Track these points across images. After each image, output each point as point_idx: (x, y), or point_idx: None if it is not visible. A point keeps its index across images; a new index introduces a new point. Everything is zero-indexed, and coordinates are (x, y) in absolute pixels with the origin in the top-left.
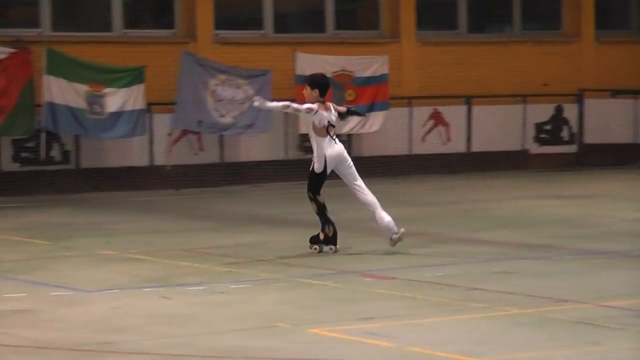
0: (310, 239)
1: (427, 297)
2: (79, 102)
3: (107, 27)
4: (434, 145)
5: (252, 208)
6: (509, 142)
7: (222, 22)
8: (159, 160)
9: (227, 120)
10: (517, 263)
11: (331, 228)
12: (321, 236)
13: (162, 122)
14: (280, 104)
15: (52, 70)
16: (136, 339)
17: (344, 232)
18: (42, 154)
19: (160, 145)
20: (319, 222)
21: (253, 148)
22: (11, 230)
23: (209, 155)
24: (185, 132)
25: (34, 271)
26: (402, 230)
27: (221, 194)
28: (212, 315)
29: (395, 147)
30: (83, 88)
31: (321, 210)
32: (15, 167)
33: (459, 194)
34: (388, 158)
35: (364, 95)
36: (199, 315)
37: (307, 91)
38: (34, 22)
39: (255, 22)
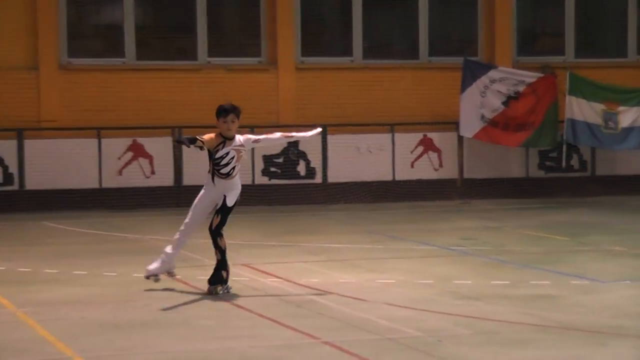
0: (212, 280)
1: None
2: (596, 119)
3: (623, 53)
4: None
5: None
6: None
7: None
8: None
9: None
10: None
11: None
12: (224, 275)
13: None
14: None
15: (574, 92)
16: None
17: None
18: (563, 162)
19: None
20: (218, 262)
21: None
22: (535, 227)
23: None
24: None
25: (555, 263)
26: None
27: None
28: None
29: None
30: (600, 107)
31: (224, 250)
32: (540, 173)
33: None
34: None
35: None
36: None
37: (235, 123)
38: (560, 50)
39: None
